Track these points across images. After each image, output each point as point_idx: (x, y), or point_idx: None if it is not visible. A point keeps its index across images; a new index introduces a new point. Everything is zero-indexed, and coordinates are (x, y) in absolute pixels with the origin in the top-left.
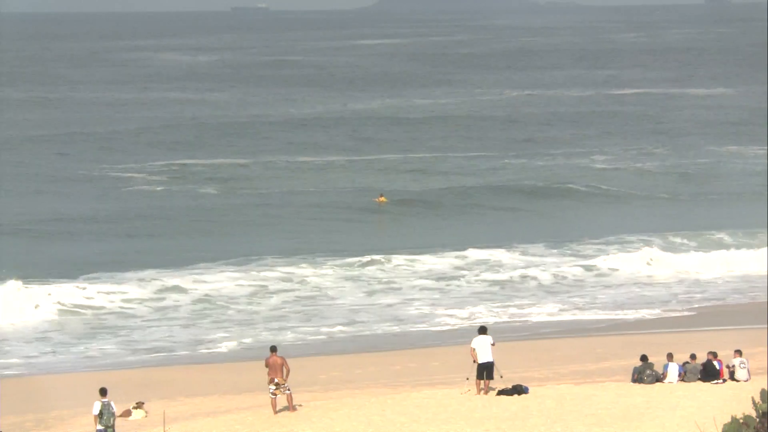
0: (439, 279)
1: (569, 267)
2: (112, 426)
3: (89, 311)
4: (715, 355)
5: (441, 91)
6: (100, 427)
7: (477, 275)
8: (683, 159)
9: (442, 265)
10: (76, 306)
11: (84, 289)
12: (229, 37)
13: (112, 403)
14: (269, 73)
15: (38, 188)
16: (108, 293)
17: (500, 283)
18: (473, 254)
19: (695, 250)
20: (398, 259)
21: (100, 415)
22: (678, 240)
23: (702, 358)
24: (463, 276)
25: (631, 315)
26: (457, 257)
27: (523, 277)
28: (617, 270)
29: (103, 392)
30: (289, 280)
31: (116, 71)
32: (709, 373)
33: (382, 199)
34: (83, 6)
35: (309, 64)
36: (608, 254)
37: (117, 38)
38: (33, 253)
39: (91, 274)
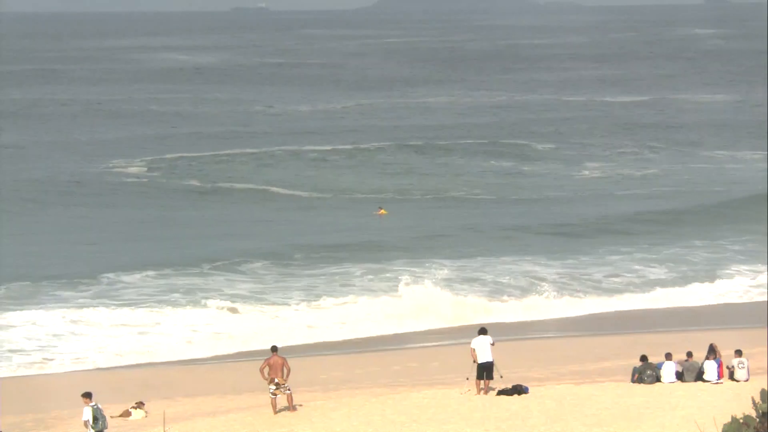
0: None
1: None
2: (106, 428)
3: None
4: (714, 355)
5: (439, 91)
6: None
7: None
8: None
9: None
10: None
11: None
12: (229, 37)
13: (100, 405)
14: (269, 72)
15: (35, 187)
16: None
17: None
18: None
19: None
20: None
21: (95, 420)
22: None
23: (700, 357)
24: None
25: None
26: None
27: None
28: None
29: (88, 396)
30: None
31: (116, 71)
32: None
33: (382, 212)
34: (83, 6)
35: (309, 63)
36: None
37: (117, 38)
38: (39, 253)
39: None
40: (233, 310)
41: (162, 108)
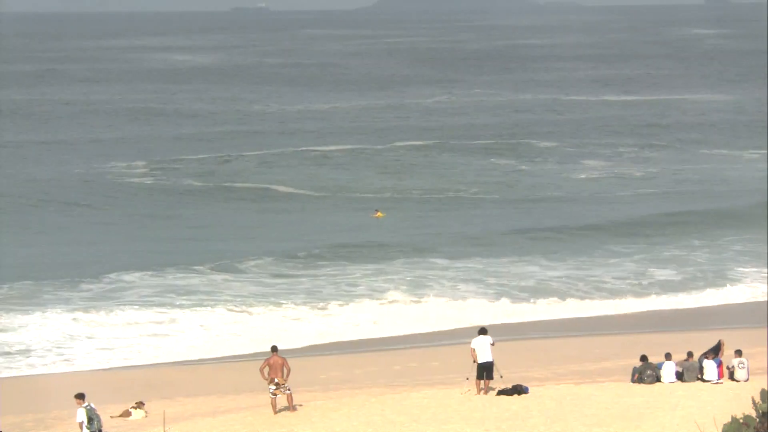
0: None
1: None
2: (101, 428)
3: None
4: (713, 354)
5: (439, 91)
6: None
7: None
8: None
9: None
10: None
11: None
12: (229, 37)
13: (93, 405)
14: (269, 72)
15: (37, 188)
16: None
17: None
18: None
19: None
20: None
21: (89, 420)
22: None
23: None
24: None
25: None
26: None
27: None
28: None
29: (81, 397)
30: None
31: (116, 71)
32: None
33: (379, 214)
34: (83, 6)
35: (309, 63)
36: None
37: (117, 38)
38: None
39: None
40: (238, 312)
41: (162, 108)
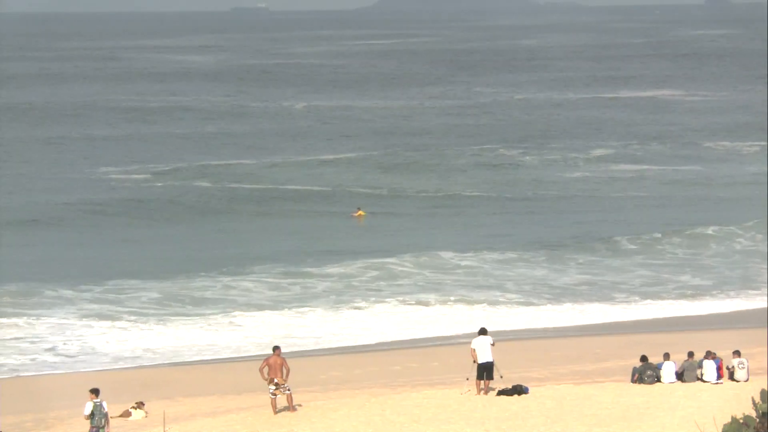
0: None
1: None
2: (103, 427)
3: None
4: (714, 354)
5: (438, 91)
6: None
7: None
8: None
9: None
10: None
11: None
12: (229, 37)
13: (104, 404)
14: (269, 72)
15: (41, 191)
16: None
17: None
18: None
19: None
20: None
21: (92, 415)
22: None
23: (700, 357)
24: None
25: None
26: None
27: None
28: None
29: (95, 392)
30: None
31: (116, 71)
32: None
33: (360, 213)
34: (83, 6)
35: (309, 63)
36: None
37: (117, 38)
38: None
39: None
40: (240, 314)
41: (162, 108)
